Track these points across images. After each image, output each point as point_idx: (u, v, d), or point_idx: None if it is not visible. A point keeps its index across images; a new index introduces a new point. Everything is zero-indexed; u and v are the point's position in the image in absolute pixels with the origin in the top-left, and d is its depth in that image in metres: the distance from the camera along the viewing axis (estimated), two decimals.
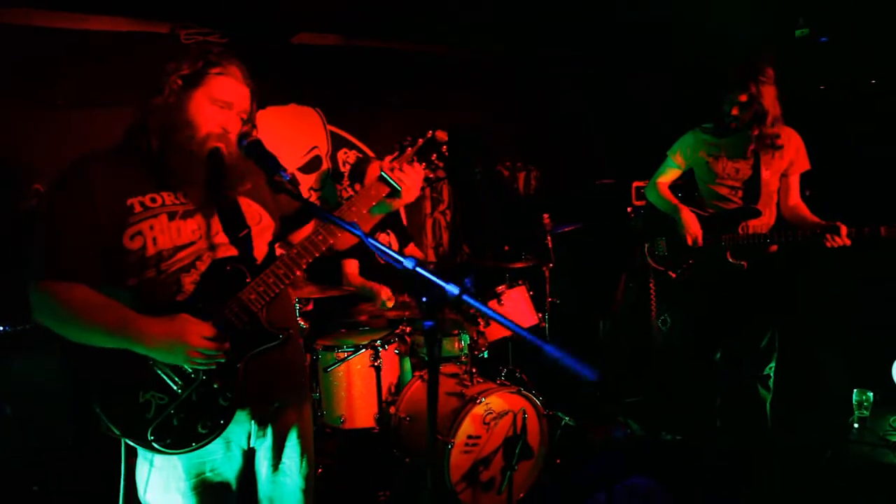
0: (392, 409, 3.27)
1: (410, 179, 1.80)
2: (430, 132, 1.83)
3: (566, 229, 3.74)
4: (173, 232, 1.62)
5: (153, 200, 1.62)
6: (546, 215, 3.73)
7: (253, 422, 1.77)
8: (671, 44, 4.53)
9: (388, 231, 3.92)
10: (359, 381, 3.28)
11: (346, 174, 4.29)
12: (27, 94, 3.29)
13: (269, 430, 1.81)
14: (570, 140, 5.27)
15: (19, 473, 2.49)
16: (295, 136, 4.20)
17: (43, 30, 3.32)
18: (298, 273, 1.71)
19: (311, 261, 1.70)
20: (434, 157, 1.83)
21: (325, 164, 4.34)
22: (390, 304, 3.38)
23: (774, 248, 3.16)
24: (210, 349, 1.56)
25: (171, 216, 1.63)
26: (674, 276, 3.40)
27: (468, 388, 3.08)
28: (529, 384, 3.95)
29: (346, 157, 4.40)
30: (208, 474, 1.72)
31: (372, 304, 3.43)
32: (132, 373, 1.58)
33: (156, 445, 1.58)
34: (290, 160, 4.22)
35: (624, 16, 4.46)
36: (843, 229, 2.82)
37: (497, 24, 4.40)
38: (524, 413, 3.06)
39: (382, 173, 1.78)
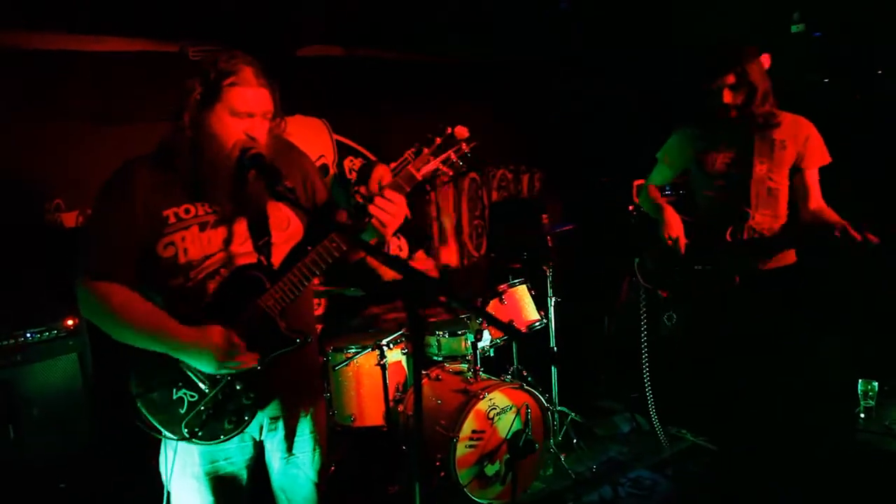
0: (400, 408, 3.38)
1: (392, 209, 1.73)
2: (450, 128, 1.75)
3: (564, 229, 3.82)
4: (204, 242, 1.72)
5: (187, 212, 1.72)
6: (545, 216, 3.82)
7: (266, 416, 1.88)
8: (669, 43, 4.59)
9: (399, 236, 4.02)
10: (367, 381, 3.39)
11: (352, 181, 4.41)
12: (45, 114, 3.38)
13: (280, 425, 1.91)
14: (572, 141, 5.35)
15: (47, 471, 2.62)
16: (302, 145, 4.23)
17: (57, 52, 3.42)
18: (315, 280, 1.78)
19: (325, 267, 1.74)
20: (454, 155, 1.76)
21: (332, 172, 4.46)
22: None
23: (789, 256, 2.84)
24: (237, 360, 1.68)
25: (203, 226, 1.72)
26: (664, 295, 3.20)
27: (472, 385, 3.18)
28: (535, 381, 4.05)
29: (353, 165, 4.52)
30: (222, 462, 1.84)
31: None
32: (165, 372, 1.71)
33: (191, 439, 1.71)
34: None
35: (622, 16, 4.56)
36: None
37: (495, 31, 4.50)
38: (527, 408, 3.15)
39: (357, 202, 1.76)
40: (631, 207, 4.68)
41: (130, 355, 1.70)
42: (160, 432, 1.72)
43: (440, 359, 3.63)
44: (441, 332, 3.58)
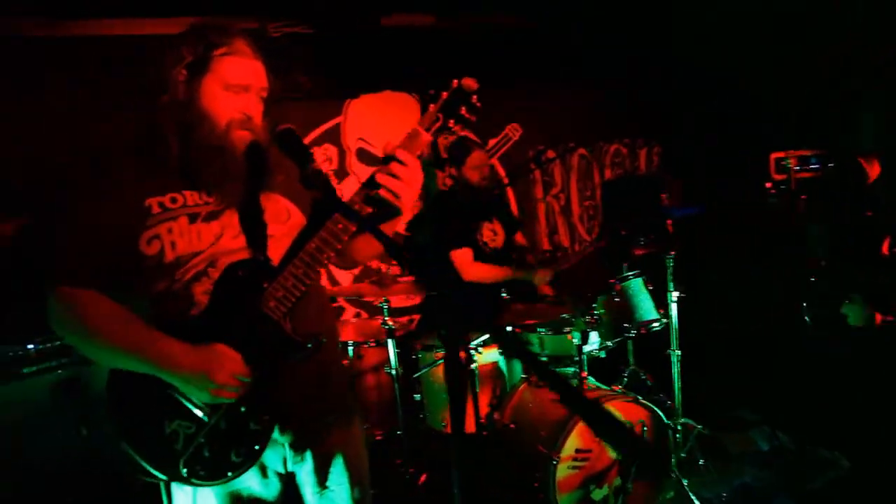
0: (496, 415, 3.01)
1: (404, 174, 1.47)
2: (456, 81, 1.55)
3: (688, 213, 3.23)
4: (193, 236, 1.47)
5: (173, 201, 1.48)
6: (664, 195, 3.24)
7: (287, 446, 1.60)
8: None
9: (494, 219, 3.63)
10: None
11: (446, 160, 4.06)
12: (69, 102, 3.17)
13: (309, 455, 1.63)
14: (696, 110, 4.68)
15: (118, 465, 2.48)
16: (391, 124, 4.02)
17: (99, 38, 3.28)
18: (321, 270, 1.51)
19: (332, 255, 1.49)
20: (464, 110, 1.54)
21: (426, 152, 4.13)
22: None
23: None
24: (236, 387, 1.43)
25: (193, 218, 1.48)
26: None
27: None
28: (655, 386, 3.54)
29: (447, 143, 4.17)
30: (246, 499, 1.58)
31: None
32: (154, 401, 1.44)
33: (190, 479, 1.44)
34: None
35: None
36: None
37: None
38: (643, 425, 2.68)
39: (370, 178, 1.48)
40: (769, 185, 3.99)
41: (108, 383, 1.44)
42: (156, 477, 1.43)
43: (545, 359, 3.21)
44: (544, 329, 3.15)
